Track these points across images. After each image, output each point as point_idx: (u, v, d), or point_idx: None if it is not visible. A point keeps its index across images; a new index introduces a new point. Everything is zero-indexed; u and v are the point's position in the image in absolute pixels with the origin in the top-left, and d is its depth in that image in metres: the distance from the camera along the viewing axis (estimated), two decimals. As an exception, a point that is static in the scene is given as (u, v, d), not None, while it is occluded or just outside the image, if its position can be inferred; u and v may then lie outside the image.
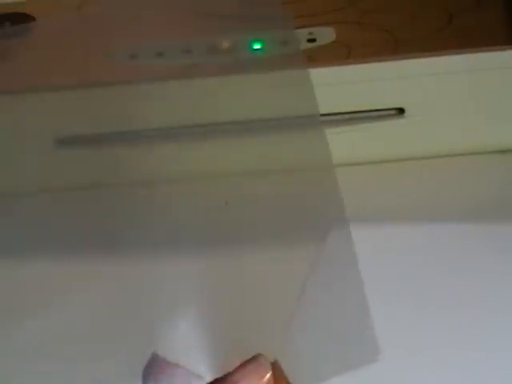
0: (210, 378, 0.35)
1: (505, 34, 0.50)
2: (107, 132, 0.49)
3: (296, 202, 0.46)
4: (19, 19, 0.53)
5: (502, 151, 0.52)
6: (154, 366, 0.36)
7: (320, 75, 0.48)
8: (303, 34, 0.50)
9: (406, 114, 0.50)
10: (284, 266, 0.44)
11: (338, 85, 0.49)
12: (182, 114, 0.49)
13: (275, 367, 0.36)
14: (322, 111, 0.49)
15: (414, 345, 0.41)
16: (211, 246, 0.46)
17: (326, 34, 0.50)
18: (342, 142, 0.50)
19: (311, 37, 0.50)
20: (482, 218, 0.47)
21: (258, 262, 0.45)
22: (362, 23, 0.51)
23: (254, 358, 0.36)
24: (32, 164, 0.50)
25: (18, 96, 0.48)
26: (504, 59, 0.48)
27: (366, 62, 0.48)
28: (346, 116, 0.50)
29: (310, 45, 0.50)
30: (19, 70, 0.49)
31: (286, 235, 0.46)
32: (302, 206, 0.46)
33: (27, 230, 0.49)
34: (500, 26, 0.50)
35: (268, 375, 0.35)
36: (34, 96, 0.48)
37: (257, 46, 0.50)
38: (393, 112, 0.50)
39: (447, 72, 0.49)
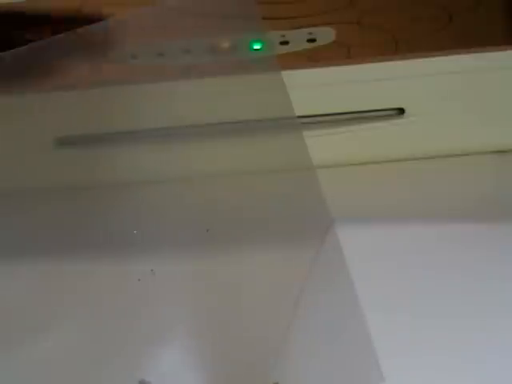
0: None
1: (505, 34, 0.50)
2: (107, 132, 0.49)
3: (279, 202, 0.47)
4: (19, 19, 0.53)
5: (502, 151, 0.52)
6: None
7: (320, 75, 0.49)
8: (303, 33, 0.50)
9: (405, 114, 0.50)
10: (271, 270, 0.44)
11: (338, 85, 0.49)
12: (181, 114, 0.49)
13: None
14: (322, 111, 0.50)
15: (414, 345, 0.41)
16: (203, 246, 0.46)
17: (326, 34, 0.50)
18: (342, 142, 0.50)
19: (311, 37, 0.50)
20: (482, 218, 0.47)
21: (246, 265, 0.45)
22: (361, 23, 0.51)
23: None
24: (32, 164, 0.50)
25: (18, 96, 0.48)
26: (504, 59, 0.48)
27: (365, 62, 0.48)
28: (346, 116, 0.50)
29: (309, 45, 0.50)
30: (19, 70, 0.49)
31: (272, 237, 0.46)
32: (286, 207, 0.46)
33: (27, 229, 0.49)
34: (500, 26, 0.50)
35: None
36: (34, 96, 0.48)
37: (257, 46, 0.50)
38: (393, 112, 0.50)
39: (447, 72, 0.49)
